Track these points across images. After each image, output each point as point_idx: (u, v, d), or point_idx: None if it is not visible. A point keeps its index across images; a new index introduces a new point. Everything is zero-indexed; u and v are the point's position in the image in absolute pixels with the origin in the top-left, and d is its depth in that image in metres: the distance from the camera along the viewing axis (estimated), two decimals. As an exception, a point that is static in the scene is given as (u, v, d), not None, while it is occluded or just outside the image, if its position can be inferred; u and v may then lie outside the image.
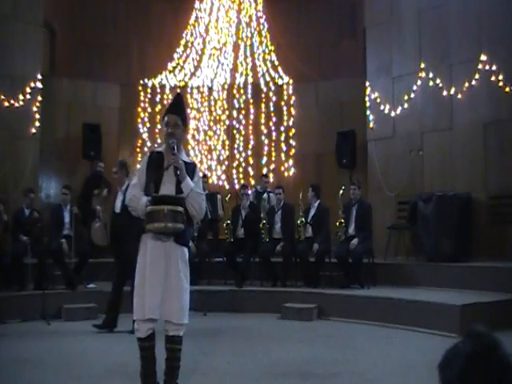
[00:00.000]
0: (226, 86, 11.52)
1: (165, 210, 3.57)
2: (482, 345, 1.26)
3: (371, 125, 9.59)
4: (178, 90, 11.43)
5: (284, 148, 11.17)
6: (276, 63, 11.70)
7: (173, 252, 3.74)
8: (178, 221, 3.61)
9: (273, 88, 11.33)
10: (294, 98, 11.24)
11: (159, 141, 10.98)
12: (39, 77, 9.70)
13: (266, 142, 11.28)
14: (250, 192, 9.30)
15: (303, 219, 8.03)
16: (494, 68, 8.04)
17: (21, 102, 9.38)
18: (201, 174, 10.19)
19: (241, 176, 11.26)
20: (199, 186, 3.91)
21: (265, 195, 9.47)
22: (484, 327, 1.30)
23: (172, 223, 3.59)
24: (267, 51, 11.80)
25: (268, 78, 11.50)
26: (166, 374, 3.86)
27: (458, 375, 1.25)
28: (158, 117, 11.01)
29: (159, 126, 10.88)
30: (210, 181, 10.79)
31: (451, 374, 1.26)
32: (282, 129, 11.22)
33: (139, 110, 11.40)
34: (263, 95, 11.37)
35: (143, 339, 3.79)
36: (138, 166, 4.00)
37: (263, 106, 11.34)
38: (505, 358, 1.25)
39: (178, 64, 11.89)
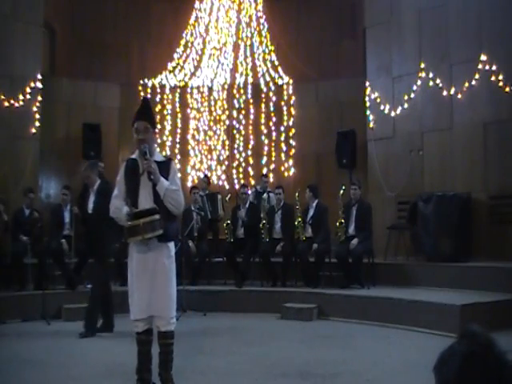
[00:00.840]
0: (225, 86, 11.51)
1: (140, 223, 3.77)
2: (478, 344, 1.26)
3: (371, 125, 9.58)
4: (178, 90, 11.48)
5: (284, 148, 11.17)
6: (276, 63, 11.69)
7: (157, 251, 3.91)
8: (155, 229, 3.79)
9: (273, 88, 11.32)
10: (293, 98, 11.24)
11: (158, 141, 10.99)
12: (39, 77, 9.68)
13: (266, 142, 11.28)
14: (249, 192, 9.30)
15: (300, 219, 8.03)
16: (494, 68, 8.04)
17: (21, 102, 9.37)
18: (201, 175, 10.34)
19: (241, 176, 11.26)
20: (175, 181, 4.01)
21: (265, 195, 9.47)
22: (478, 327, 1.30)
23: (150, 233, 3.78)
24: (267, 51, 11.79)
25: (268, 78, 11.50)
26: (160, 368, 3.98)
27: (455, 375, 1.25)
28: (158, 117, 11.01)
29: (159, 126, 10.86)
30: (210, 181, 10.78)
31: (448, 374, 1.26)
32: (282, 129, 11.22)
33: (139, 109, 11.37)
34: (263, 95, 11.36)
35: (140, 333, 3.98)
36: (118, 178, 4.06)
37: (263, 105, 11.34)
38: (501, 356, 1.25)
39: (177, 64, 11.88)
